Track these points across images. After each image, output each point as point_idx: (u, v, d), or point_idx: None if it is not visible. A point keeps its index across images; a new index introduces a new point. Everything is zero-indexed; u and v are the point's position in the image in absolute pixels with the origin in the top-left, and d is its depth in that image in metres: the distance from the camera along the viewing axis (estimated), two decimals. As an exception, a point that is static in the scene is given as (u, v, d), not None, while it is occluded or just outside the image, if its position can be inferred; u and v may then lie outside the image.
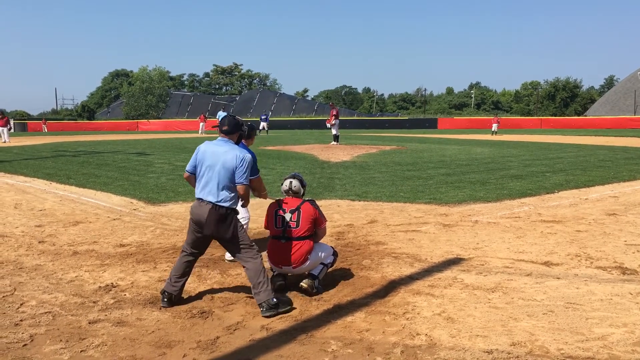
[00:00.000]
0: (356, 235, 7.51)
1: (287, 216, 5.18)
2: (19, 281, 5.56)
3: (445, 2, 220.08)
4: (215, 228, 4.71)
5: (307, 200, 5.36)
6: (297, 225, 5.15)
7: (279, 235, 5.19)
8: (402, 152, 22.38)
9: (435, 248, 6.77)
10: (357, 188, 11.75)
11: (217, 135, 4.99)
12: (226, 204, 4.73)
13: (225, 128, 4.87)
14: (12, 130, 40.27)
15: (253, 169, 5.07)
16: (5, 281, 5.55)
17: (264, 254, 5.15)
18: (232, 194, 4.78)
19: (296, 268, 5.17)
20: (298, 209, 5.21)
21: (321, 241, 5.56)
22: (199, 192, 4.79)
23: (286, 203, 5.29)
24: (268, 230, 5.41)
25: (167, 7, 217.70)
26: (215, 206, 4.69)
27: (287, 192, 5.40)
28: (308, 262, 5.18)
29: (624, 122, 53.46)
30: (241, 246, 4.80)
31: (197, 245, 4.93)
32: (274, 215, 5.24)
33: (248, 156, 4.81)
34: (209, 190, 4.73)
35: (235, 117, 5.03)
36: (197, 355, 3.87)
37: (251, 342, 4.09)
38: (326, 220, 5.50)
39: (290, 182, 5.39)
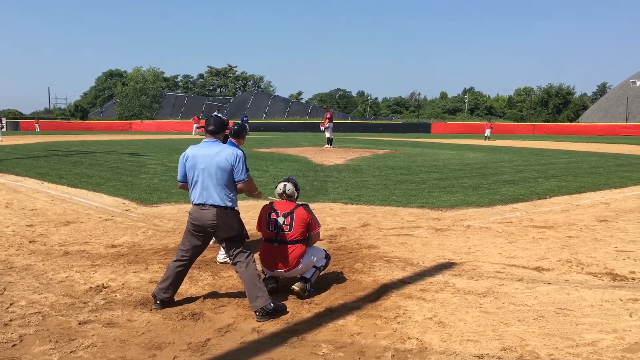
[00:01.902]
0: (348, 238, 7.51)
1: (280, 220, 5.17)
2: (8, 281, 5.53)
3: (441, 7, 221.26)
4: (227, 230, 4.69)
5: (301, 204, 5.35)
6: (290, 229, 5.14)
7: (272, 238, 5.18)
8: (395, 156, 22.43)
9: (427, 252, 6.78)
10: (350, 191, 11.76)
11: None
12: (230, 204, 4.72)
13: (211, 128, 4.84)
14: (4, 129, 40.11)
15: None
16: (-6, 281, 5.51)
17: (256, 256, 5.14)
18: (232, 193, 4.76)
19: (288, 272, 5.17)
20: (291, 212, 5.20)
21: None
22: (197, 198, 4.73)
23: (280, 206, 5.28)
24: (260, 233, 5.40)
25: (162, 8, 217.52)
26: (221, 208, 4.67)
27: (281, 195, 5.39)
28: (300, 266, 5.17)
29: (616, 129, 53.79)
30: (242, 247, 4.79)
31: (196, 250, 4.91)
32: (266, 218, 5.23)
33: (241, 152, 4.82)
34: (207, 194, 4.68)
35: (220, 117, 5.01)
36: (187, 357, 3.85)
37: (242, 344, 4.08)
38: (320, 226, 5.48)
39: (285, 186, 5.38)
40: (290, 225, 5.14)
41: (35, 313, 4.64)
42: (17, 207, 9.70)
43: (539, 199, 10.99)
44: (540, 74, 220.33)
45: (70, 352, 3.89)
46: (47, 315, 4.59)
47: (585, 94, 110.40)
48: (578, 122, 72.02)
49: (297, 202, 5.40)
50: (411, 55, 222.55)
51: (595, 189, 12.49)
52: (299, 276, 5.25)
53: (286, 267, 5.13)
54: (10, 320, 4.46)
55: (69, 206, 9.88)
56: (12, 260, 6.31)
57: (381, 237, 7.60)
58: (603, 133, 52.31)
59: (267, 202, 5.41)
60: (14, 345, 3.99)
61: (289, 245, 5.12)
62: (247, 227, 4.99)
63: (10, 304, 4.85)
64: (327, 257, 5.56)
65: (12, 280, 5.54)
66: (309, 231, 5.27)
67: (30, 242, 7.19)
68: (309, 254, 5.26)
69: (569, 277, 5.75)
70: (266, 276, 5.30)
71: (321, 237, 7.02)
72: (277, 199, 5.44)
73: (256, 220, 5.45)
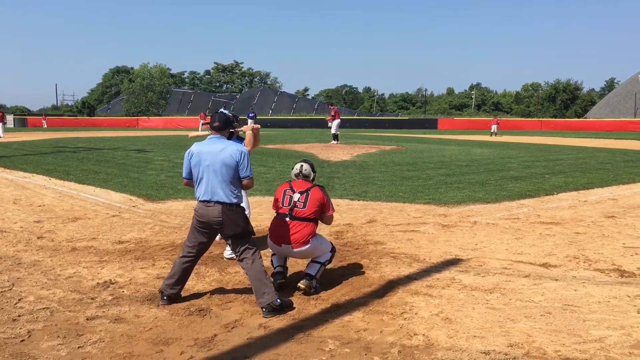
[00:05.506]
0: (355, 234, 7.51)
1: (296, 196, 5.22)
2: (17, 277, 5.56)
3: (447, 2, 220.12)
4: (232, 227, 4.69)
5: (317, 185, 5.39)
6: (304, 207, 5.18)
7: (285, 213, 5.21)
8: (401, 152, 22.39)
9: (433, 248, 6.77)
10: (357, 187, 11.75)
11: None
12: (235, 201, 4.73)
13: (216, 124, 4.85)
14: (7, 125, 40.32)
15: None
16: (3, 276, 5.55)
17: (263, 252, 5.14)
18: (237, 190, 4.77)
19: (295, 249, 5.16)
20: (307, 191, 5.25)
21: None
22: (202, 195, 4.73)
23: (296, 185, 5.34)
24: (269, 223, 5.42)
25: (169, 4, 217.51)
26: (226, 205, 4.67)
27: (297, 175, 5.44)
28: (308, 245, 5.15)
29: (624, 125, 53.46)
30: (248, 244, 4.80)
31: (202, 246, 4.92)
32: (282, 194, 5.29)
33: (246, 149, 4.83)
34: (213, 191, 4.68)
35: (225, 113, 5.01)
36: (194, 352, 3.87)
37: (249, 340, 4.10)
38: (334, 210, 5.52)
39: (301, 166, 5.44)
40: (305, 203, 5.19)
41: (44, 309, 4.67)
42: (25, 203, 9.76)
43: (546, 195, 10.94)
44: (547, 70, 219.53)
45: (78, 348, 3.91)
46: (55, 311, 4.62)
47: (593, 89, 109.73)
48: (586, 118, 71.64)
49: (313, 183, 5.44)
50: (418, 51, 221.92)
51: (603, 185, 12.43)
52: (304, 272, 5.26)
53: (294, 243, 5.12)
54: (19, 316, 4.49)
55: (76, 202, 9.93)
56: (21, 256, 6.35)
57: (388, 233, 7.60)
58: (611, 129, 52.01)
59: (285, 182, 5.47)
60: (22, 340, 4.02)
61: (301, 222, 5.15)
62: (254, 223, 5.00)
63: (19, 300, 4.88)
64: (333, 250, 5.55)
65: (20, 276, 5.58)
66: (323, 212, 5.31)
67: (38, 238, 7.24)
68: (318, 238, 5.28)
69: (576, 274, 5.73)
70: (275, 271, 5.32)
71: (328, 233, 7.02)
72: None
73: (263, 217, 5.47)
